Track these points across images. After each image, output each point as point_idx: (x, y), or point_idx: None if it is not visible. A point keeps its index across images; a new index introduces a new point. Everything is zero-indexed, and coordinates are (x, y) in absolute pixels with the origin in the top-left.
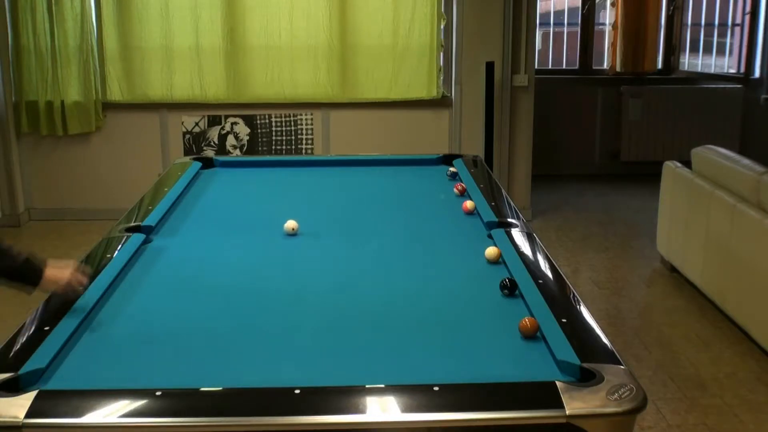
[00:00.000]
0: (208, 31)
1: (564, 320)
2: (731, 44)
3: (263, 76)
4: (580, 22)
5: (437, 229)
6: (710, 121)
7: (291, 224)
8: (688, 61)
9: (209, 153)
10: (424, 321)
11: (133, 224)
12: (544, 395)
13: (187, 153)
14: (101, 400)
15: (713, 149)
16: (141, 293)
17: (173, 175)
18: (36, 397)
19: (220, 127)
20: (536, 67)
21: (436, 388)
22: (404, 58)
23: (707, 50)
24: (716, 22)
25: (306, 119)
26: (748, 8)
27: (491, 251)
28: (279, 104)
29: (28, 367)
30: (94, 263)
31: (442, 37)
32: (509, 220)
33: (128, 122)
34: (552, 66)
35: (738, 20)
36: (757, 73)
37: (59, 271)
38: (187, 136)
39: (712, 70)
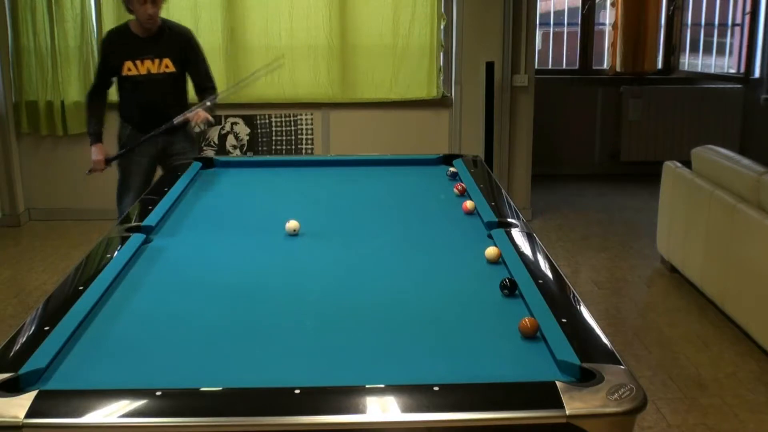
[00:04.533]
0: (208, 31)
1: (564, 320)
2: (731, 44)
3: (263, 76)
4: (580, 22)
5: (437, 229)
6: (710, 121)
7: (293, 224)
8: (688, 61)
9: (209, 153)
10: (424, 321)
11: (133, 224)
12: (544, 395)
13: None
14: (101, 400)
15: (713, 149)
16: (141, 293)
17: (173, 175)
18: (36, 397)
19: (220, 127)
20: (536, 67)
21: (436, 388)
22: (404, 58)
23: (707, 50)
24: (716, 22)
25: (306, 119)
26: (748, 8)
27: (491, 251)
28: (279, 104)
29: (28, 367)
30: (94, 263)
31: (442, 37)
32: (509, 220)
33: None
34: (552, 66)
35: (738, 20)
36: (757, 73)
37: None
38: None
39: (712, 70)
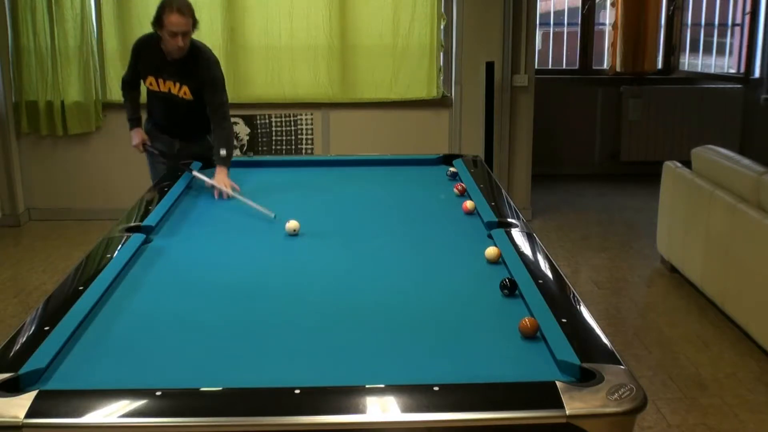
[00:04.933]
0: (208, 31)
1: (564, 320)
2: (731, 44)
3: (263, 76)
4: (580, 22)
5: (437, 229)
6: (710, 121)
7: (293, 224)
8: (688, 61)
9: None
10: (424, 321)
11: (133, 224)
12: (544, 395)
13: None
14: (101, 400)
15: (713, 149)
16: (141, 293)
17: (173, 175)
18: (36, 397)
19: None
20: (536, 67)
21: (436, 388)
22: (404, 58)
23: (707, 50)
24: (716, 22)
25: (306, 119)
26: (748, 8)
27: (491, 251)
28: (279, 104)
29: (28, 367)
30: (94, 263)
31: (442, 37)
32: (509, 220)
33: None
34: (552, 66)
35: (738, 20)
36: (757, 73)
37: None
38: None
39: (712, 70)
